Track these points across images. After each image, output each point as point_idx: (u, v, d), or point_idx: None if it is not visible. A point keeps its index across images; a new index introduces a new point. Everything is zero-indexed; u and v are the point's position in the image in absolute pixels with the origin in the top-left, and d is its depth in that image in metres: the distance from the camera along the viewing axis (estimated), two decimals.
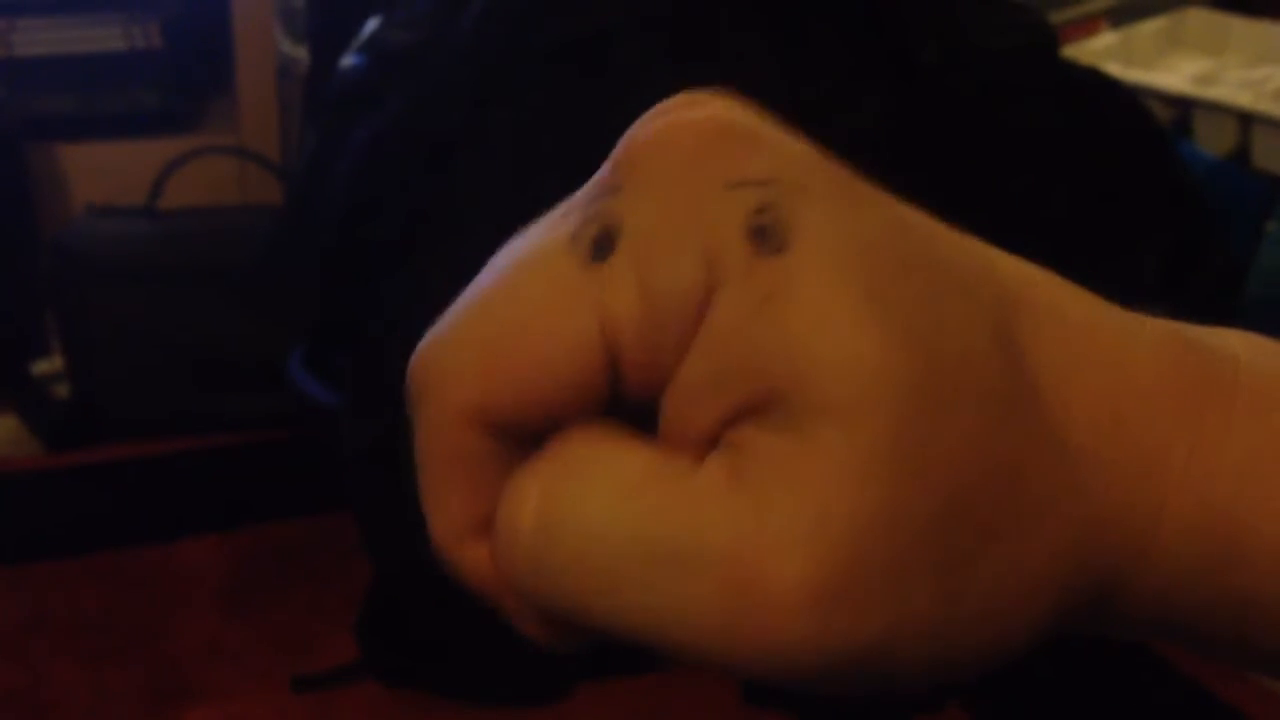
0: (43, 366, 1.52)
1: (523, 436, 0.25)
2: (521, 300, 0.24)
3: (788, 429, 0.23)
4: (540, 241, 0.25)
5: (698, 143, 0.24)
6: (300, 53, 1.58)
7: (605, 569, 0.23)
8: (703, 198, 0.24)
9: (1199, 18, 1.46)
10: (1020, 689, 1.11)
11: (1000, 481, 0.24)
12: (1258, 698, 1.08)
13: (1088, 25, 1.45)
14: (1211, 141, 1.25)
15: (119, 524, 1.28)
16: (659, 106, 0.26)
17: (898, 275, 0.24)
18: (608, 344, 0.24)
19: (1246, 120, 1.24)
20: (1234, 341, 0.28)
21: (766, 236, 0.23)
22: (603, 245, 0.24)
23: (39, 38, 1.57)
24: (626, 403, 0.25)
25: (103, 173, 1.59)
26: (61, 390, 1.47)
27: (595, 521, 0.23)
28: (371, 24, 1.12)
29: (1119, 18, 1.47)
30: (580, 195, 0.25)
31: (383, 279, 0.97)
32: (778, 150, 0.25)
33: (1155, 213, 1.08)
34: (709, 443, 0.24)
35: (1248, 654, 0.28)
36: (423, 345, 0.25)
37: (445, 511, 0.26)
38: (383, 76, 1.05)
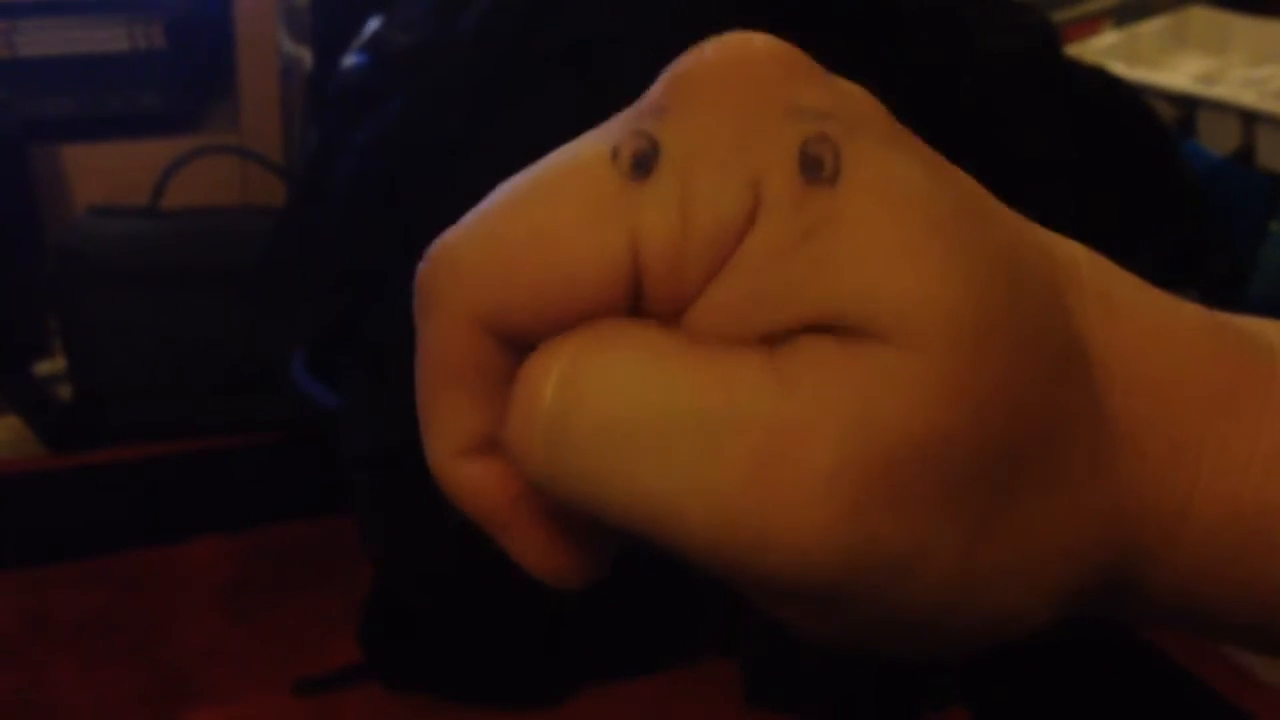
0: (44, 367, 1.52)
1: (531, 348, 0.24)
2: (552, 209, 0.23)
3: (839, 340, 0.22)
4: (578, 152, 0.24)
5: (757, 66, 0.24)
6: (303, 53, 1.58)
7: (629, 438, 0.22)
8: (755, 122, 0.23)
9: (1202, 16, 1.45)
10: (1024, 689, 1.10)
11: (1046, 440, 0.24)
12: (1264, 700, 1.08)
13: (1091, 24, 1.44)
14: (1215, 140, 1.25)
15: (121, 526, 1.28)
16: (710, 40, 0.25)
17: (956, 218, 0.23)
18: (636, 262, 0.23)
19: (1250, 119, 1.24)
20: (1271, 333, 0.28)
21: (819, 168, 0.23)
22: (643, 163, 0.23)
23: (41, 38, 1.57)
24: (643, 315, 0.24)
25: (105, 173, 1.59)
26: (63, 391, 1.47)
27: (622, 387, 0.22)
28: (373, 24, 1.12)
29: (1122, 17, 1.46)
30: (624, 114, 0.25)
31: (384, 281, 0.97)
32: (838, 87, 0.24)
33: (1159, 212, 1.08)
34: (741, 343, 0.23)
35: (1269, 641, 0.28)
36: (438, 244, 0.24)
37: (446, 425, 0.25)
38: (384, 77, 1.05)
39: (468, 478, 0.25)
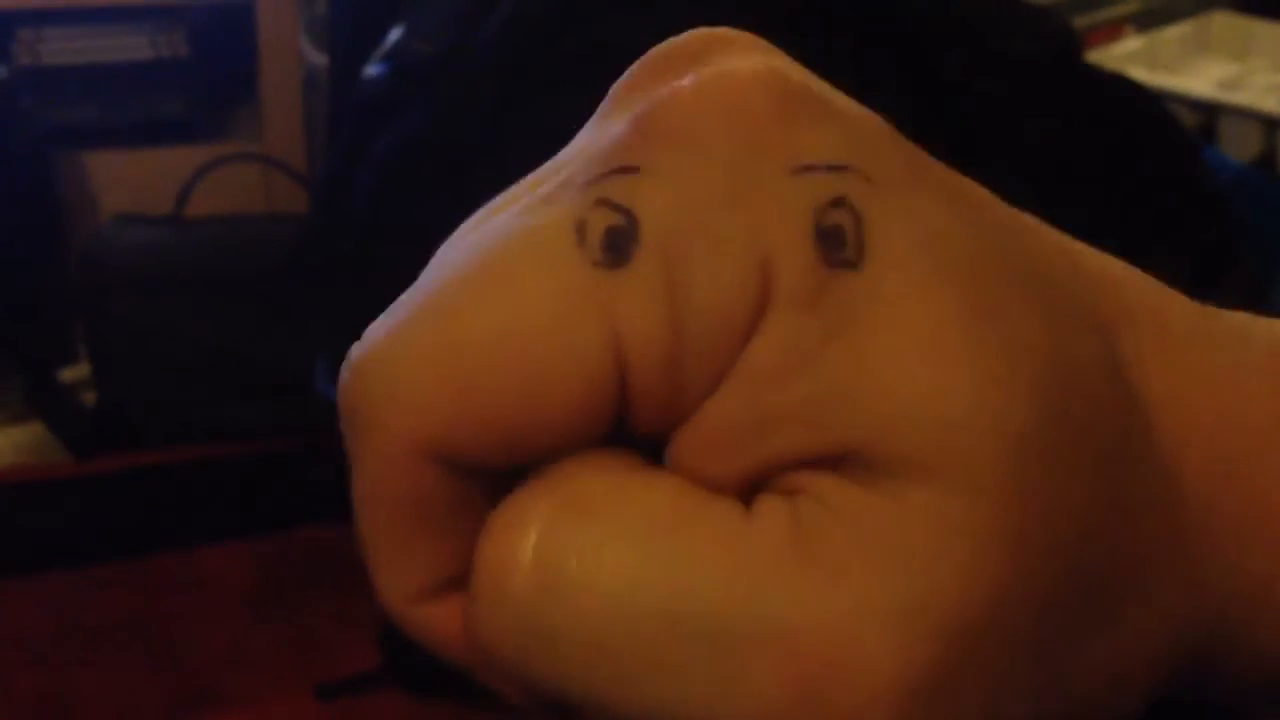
0: (70, 374, 1.52)
1: (499, 474, 0.19)
2: (507, 307, 0.18)
3: (869, 482, 0.18)
4: (531, 227, 0.19)
5: (748, 103, 0.19)
6: (325, 61, 1.58)
7: (626, 647, 0.18)
8: (753, 181, 0.18)
9: (1225, 22, 1.45)
10: None
11: (1118, 550, 0.20)
12: None
13: (1112, 30, 1.44)
14: (1237, 147, 1.25)
15: (145, 531, 1.29)
16: (672, 46, 0.20)
17: (1001, 296, 0.19)
18: (617, 369, 0.19)
19: (1272, 125, 1.23)
20: None
21: (839, 244, 0.18)
22: (618, 244, 0.18)
23: (65, 47, 1.58)
24: (628, 437, 0.19)
25: (129, 181, 1.59)
26: (89, 397, 1.48)
27: (615, 578, 0.18)
28: (395, 33, 1.12)
29: (1144, 22, 1.46)
30: (578, 163, 0.19)
31: (404, 288, 0.97)
32: (844, 122, 0.19)
33: (1181, 220, 1.07)
34: (745, 484, 0.19)
35: None
36: (363, 352, 0.19)
37: (398, 569, 0.20)
38: (405, 86, 1.05)
39: (431, 624, 0.20)
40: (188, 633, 1.16)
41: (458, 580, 0.20)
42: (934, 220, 0.19)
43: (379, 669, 1.09)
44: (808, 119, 0.19)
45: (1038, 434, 0.18)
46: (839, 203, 0.18)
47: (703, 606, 0.18)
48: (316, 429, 1.36)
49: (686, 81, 0.19)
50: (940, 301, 0.18)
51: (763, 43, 0.20)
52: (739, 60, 0.19)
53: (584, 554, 0.18)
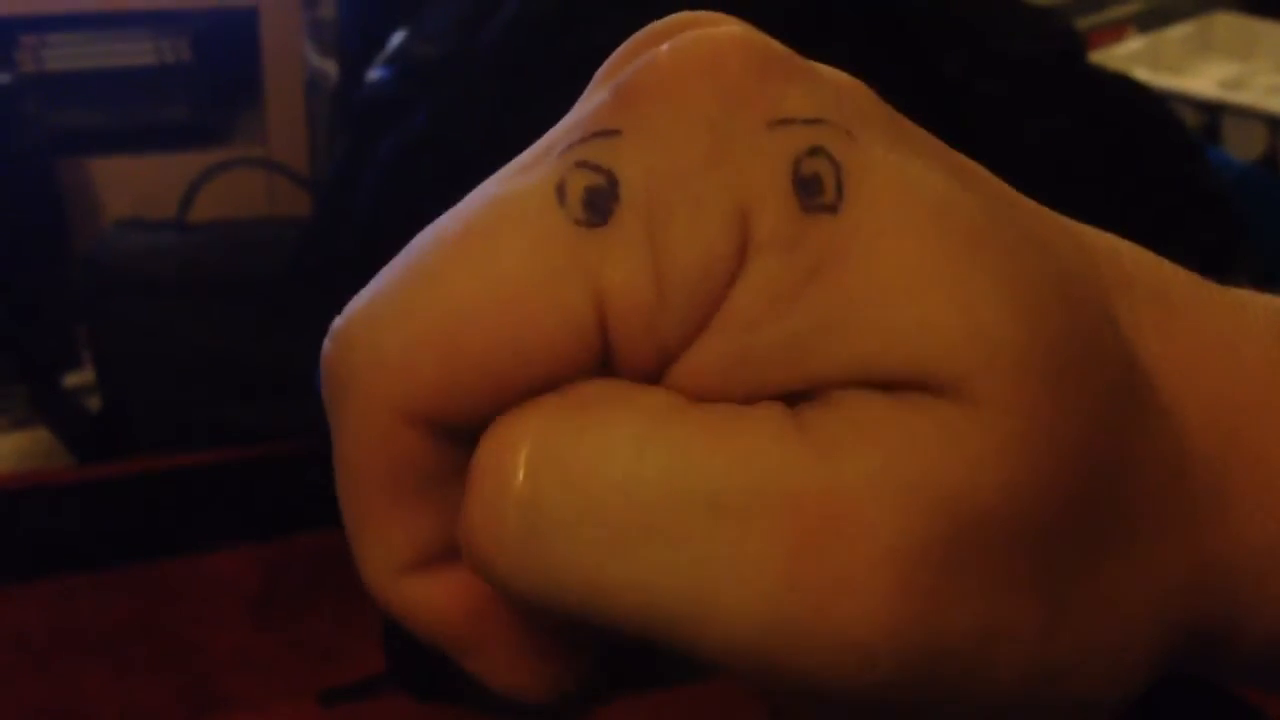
0: (74, 379, 1.53)
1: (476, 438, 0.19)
2: (489, 267, 0.19)
3: (884, 393, 0.18)
4: (513, 191, 0.19)
5: (725, 66, 0.19)
6: (329, 65, 1.59)
7: (630, 524, 0.18)
8: (732, 138, 0.19)
9: (1227, 22, 1.45)
10: None
11: (1119, 487, 0.20)
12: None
13: (1115, 30, 1.44)
14: (1241, 147, 1.25)
15: (149, 535, 1.29)
16: (651, 28, 0.21)
17: (989, 229, 0.19)
18: (600, 325, 0.19)
19: (1276, 125, 1.23)
20: None
21: (817, 189, 0.19)
22: (598, 203, 0.19)
23: (69, 53, 1.58)
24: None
25: (133, 186, 1.60)
26: (94, 402, 1.48)
27: (615, 459, 0.18)
28: (398, 36, 1.12)
29: (1147, 23, 1.46)
30: (560, 134, 0.20)
31: None
32: (823, 81, 0.20)
33: (1182, 220, 1.07)
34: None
35: None
36: (346, 320, 0.20)
37: (380, 539, 0.20)
38: (409, 89, 1.05)
39: (417, 598, 0.20)
40: (191, 637, 1.16)
41: (440, 556, 0.20)
42: (915, 173, 0.19)
43: (383, 674, 1.09)
44: (786, 77, 0.19)
45: (1047, 358, 0.18)
46: (816, 151, 0.19)
47: (702, 477, 0.18)
48: (322, 432, 1.36)
49: (664, 47, 0.19)
50: (923, 236, 0.18)
51: (741, 21, 0.20)
52: (716, 26, 0.20)
53: (580, 443, 0.18)
